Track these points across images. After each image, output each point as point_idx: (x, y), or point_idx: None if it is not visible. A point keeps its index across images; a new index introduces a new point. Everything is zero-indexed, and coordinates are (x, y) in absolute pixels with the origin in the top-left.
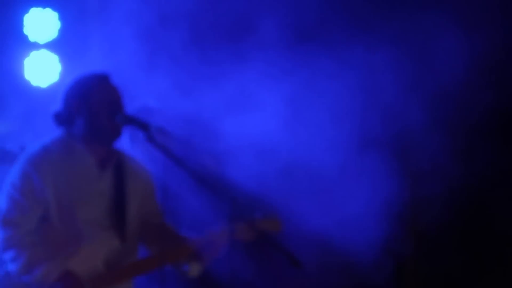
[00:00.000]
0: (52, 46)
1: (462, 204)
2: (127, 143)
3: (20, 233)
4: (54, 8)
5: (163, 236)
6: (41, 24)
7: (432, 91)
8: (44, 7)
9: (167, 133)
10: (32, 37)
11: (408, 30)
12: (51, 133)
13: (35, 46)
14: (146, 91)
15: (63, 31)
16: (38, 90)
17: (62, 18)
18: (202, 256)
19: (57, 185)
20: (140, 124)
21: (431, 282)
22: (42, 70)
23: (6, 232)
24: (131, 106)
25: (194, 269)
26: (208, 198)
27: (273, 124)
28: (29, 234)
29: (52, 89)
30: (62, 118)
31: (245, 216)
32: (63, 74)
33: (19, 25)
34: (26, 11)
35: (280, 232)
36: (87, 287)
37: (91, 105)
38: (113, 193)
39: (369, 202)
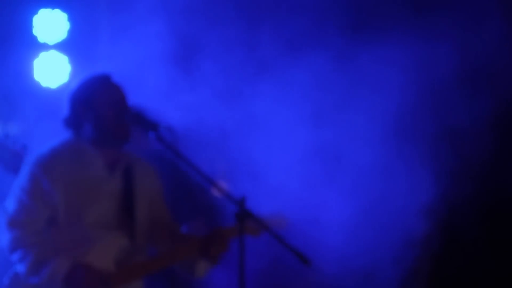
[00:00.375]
0: (62, 47)
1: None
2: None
3: (27, 233)
4: (63, 9)
5: (171, 235)
6: (51, 25)
7: (481, 89)
8: (53, 8)
9: (175, 132)
10: (41, 38)
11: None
12: (61, 134)
13: (45, 47)
14: (155, 90)
15: (72, 32)
16: (48, 91)
17: (71, 19)
18: (209, 254)
19: (66, 187)
20: (148, 124)
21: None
22: (52, 71)
23: (13, 233)
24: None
25: (201, 269)
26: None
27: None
28: (36, 234)
29: (62, 90)
30: (70, 122)
31: (252, 213)
32: (73, 75)
33: (29, 26)
34: (35, 12)
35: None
36: (100, 276)
37: (96, 109)
38: (122, 195)
39: (405, 199)
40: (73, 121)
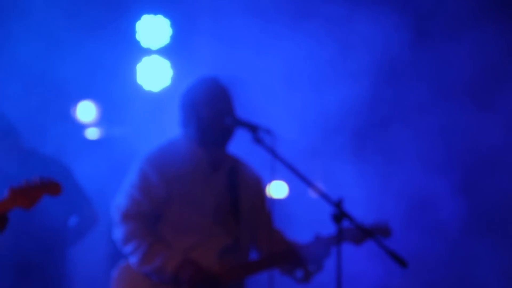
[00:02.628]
0: (164, 51)
1: None
2: None
3: (140, 226)
4: (166, 15)
5: (273, 240)
6: (154, 30)
7: None
8: (156, 14)
9: (275, 135)
10: (144, 43)
11: None
12: (163, 135)
13: (147, 52)
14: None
15: (174, 37)
16: (150, 94)
17: (173, 24)
18: (311, 261)
19: (172, 184)
20: (248, 126)
21: None
22: (154, 75)
23: (127, 226)
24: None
25: (304, 275)
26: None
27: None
28: (148, 227)
29: (164, 93)
30: (179, 122)
31: (354, 220)
32: (175, 79)
33: (132, 31)
34: (139, 18)
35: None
36: (206, 274)
37: (199, 111)
38: (227, 195)
39: None
40: (181, 121)
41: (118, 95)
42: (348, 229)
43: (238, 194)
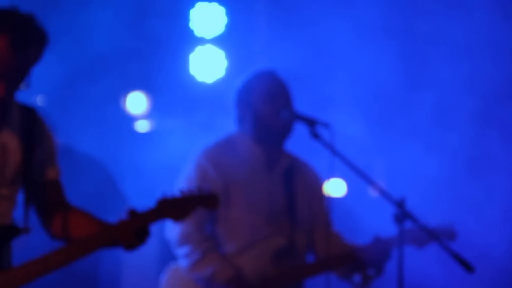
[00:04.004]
0: (218, 41)
1: None
2: None
3: (196, 229)
4: (221, 2)
5: (330, 243)
6: (208, 19)
7: None
8: (210, 1)
9: (333, 129)
10: (198, 32)
11: None
12: (216, 128)
13: (201, 41)
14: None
15: (229, 26)
16: (203, 85)
17: (229, 12)
18: (370, 265)
19: (228, 181)
20: (306, 120)
21: None
22: (208, 66)
23: (182, 228)
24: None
25: (362, 279)
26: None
27: None
28: (203, 229)
29: (217, 85)
30: (235, 119)
31: (417, 221)
32: (230, 70)
33: (185, 19)
34: (193, 6)
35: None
36: None
37: (255, 108)
38: (282, 195)
39: None
40: (237, 117)
41: (169, 86)
42: (410, 230)
43: (295, 194)
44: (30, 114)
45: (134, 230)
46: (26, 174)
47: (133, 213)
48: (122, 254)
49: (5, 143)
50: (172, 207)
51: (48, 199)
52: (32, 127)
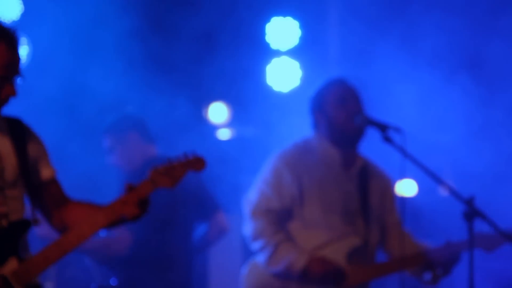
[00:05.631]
0: (293, 53)
1: None
2: None
3: (269, 224)
4: (295, 16)
5: (402, 243)
6: (283, 32)
7: None
8: (285, 15)
9: (404, 133)
10: (273, 45)
11: None
12: (292, 135)
13: (277, 53)
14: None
15: (303, 38)
16: (279, 95)
17: (302, 26)
18: (440, 265)
19: (304, 182)
20: (378, 125)
21: None
22: (284, 76)
23: (255, 223)
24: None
25: (431, 277)
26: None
27: None
28: (277, 225)
29: (293, 94)
30: (311, 124)
31: (487, 218)
32: (304, 79)
33: (261, 33)
34: (268, 20)
35: None
36: (335, 268)
37: (328, 113)
38: (357, 196)
39: None
40: (313, 123)
41: (248, 96)
42: (480, 235)
43: (368, 195)
44: (14, 122)
45: (135, 202)
46: (24, 176)
47: (130, 188)
48: (209, 255)
49: None
50: (163, 175)
51: (47, 198)
52: (19, 132)
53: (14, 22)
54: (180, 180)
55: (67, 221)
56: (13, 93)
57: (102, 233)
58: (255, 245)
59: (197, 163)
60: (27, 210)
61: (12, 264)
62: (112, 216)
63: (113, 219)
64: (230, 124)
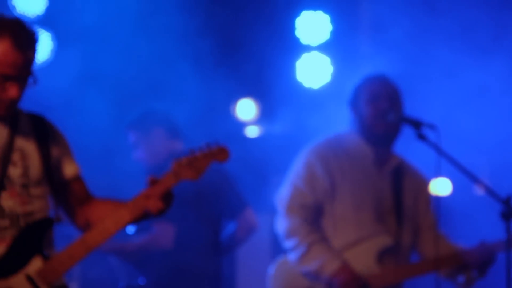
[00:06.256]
0: (324, 48)
1: None
2: None
3: (303, 222)
4: (326, 10)
5: (436, 244)
6: (313, 26)
7: None
8: (315, 9)
9: (438, 130)
10: (304, 40)
11: None
12: (323, 132)
13: (307, 48)
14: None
15: (334, 33)
16: (310, 91)
17: (333, 20)
18: (475, 267)
19: (336, 177)
20: (412, 122)
21: None
22: (314, 72)
23: (289, 220)
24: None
25: (466, 280)
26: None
27: None
28: (311, 223)
29: (324, 90)
30: (350, 118)
31: None
32: (335, 75)
33: (292, 28)
34: (298, 14)
35: None
36: (362, 284)
37: (359, 106)
38: (390, 195)
39: None
40: (350, 118)
41: (278, 92)
42: None
43: (402, 195)
44: (38, 119)
45: (159, 196)
46: (48, 174)
47: (153, 181)
48: (237, 253)
49: (22, 148)
50: (186, 167)
51: (71, 196)
52: (43, 130)
53: (37, 17)
54: (204, 171)
55: (91, 219)
56: (14, 94)
57: (129, 231)
58: (288, 243)
59: (220, 153)
60: (51, 209)
61: (36, 263)
62: (136, 211)
63: (137, 214)
64: (258, 121)
